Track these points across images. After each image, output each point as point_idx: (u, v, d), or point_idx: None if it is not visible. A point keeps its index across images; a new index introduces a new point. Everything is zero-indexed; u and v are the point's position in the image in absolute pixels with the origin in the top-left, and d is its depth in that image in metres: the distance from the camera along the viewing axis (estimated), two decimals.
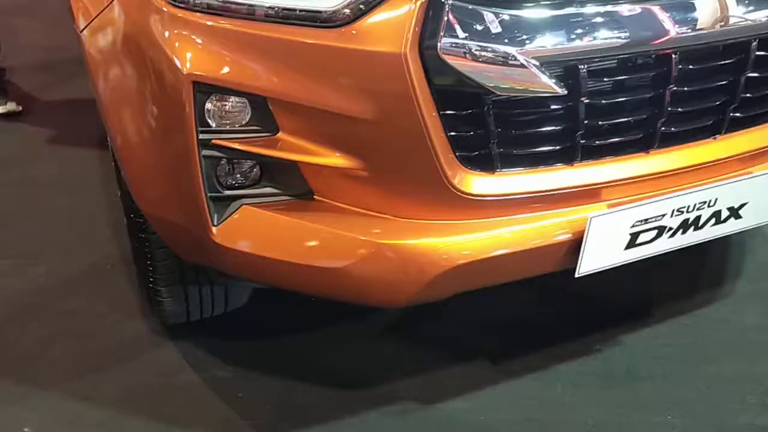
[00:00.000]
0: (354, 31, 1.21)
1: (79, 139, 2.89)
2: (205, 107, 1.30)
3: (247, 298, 1.89)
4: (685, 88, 1.39)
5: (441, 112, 1.29)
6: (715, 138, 1.49)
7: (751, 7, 1.35)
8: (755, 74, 1.44)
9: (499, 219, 1.43)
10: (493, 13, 1.22)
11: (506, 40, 1.23)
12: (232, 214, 1.39)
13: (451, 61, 1.23)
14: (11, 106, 3.10)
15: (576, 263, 1.45)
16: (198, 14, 1.24)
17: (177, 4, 1.24)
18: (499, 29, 1.22)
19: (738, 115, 1.48)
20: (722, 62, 1.40)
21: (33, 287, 2.10)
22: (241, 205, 1.40)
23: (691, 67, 1.37)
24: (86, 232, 2.34)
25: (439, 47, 1.22)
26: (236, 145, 1.33)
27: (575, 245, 1.43)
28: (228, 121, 1.32)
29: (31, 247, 2.28)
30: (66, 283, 2.12)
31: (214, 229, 1.39)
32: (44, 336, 1.91)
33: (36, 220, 2.41)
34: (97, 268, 2.17)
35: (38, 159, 2.79)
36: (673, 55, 1.33)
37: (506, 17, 1.22)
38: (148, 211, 1.54)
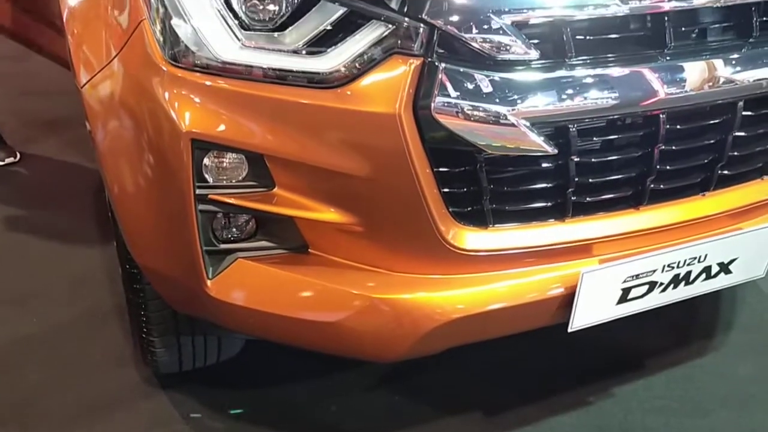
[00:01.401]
0: (349, 92, 1.24)
1: (74, 187, 2.91)
2: (203, 163, 1.32)
3: (240, 347, 1.88)
4: (674, 147, 1.42)
5: (434, 169, 1.32)
6: (704, 195, 1.51)
7: (738, 69, 1.39)
8: (742, 134, 1.47)
9: (492, 273, 1.44)
10: (485, 75, 1.25)
11: (497, 101, 1.26)
12: (227, 267, 1.40)
13: (444, 120, 1.26)
14: (9, 158, 3.14)
15: (569, 318, 1.46)
16: (197, 74, 1.26)
17: (177, 64, 1.27)
18: (490, 91, 1.25)
19: (726, 172, 1.51)
20: (709, 122, 1.44)
21: (25, 334, 2.09)
22: (236, 259, 1.41)
23: (679, 126, 1.40)
24: (80, 279, 2.33)
25: (432, 107, 1.24)
26: (233, 200, 1.34)
27: (568, 300, 1.44)
28: (225, 177, 1.34)
29: (24, 293, 2.27)
30: (58, 331, 2.11)
31: (208, 282, 1.40)
32: (37, 384, 1.90)
33: (30, 267, 2.41)
34: (90, 316, 2.17)
35: (33, 206, 2.80)
36: (662, 116, 1.36)
37: (497, 79, 1.26)
38: (143, 262, 1.54)
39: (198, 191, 1.32)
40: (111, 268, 2.32)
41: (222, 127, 1.27)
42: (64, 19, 1.67)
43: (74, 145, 3.24)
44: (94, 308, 2.20)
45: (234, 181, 1.34)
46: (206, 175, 1.33)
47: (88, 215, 2.71)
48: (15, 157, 3.15)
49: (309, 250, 1.42)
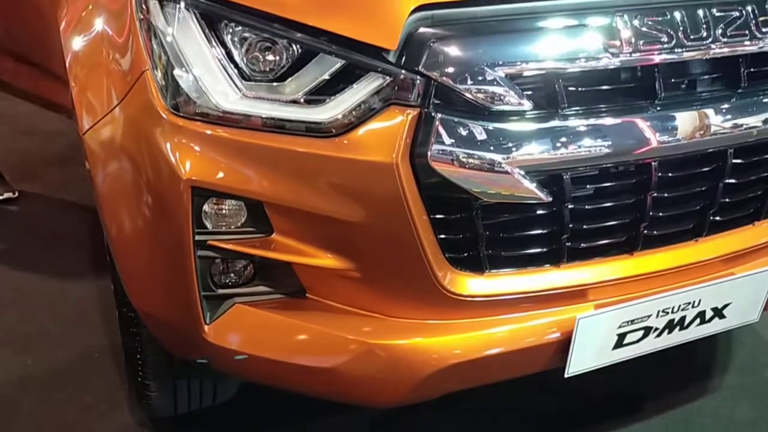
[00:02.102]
0: (347, 141, 1.26)
1: (72, 226, 2.92)
2: (203, 209, 1.33)
3: (235, 390, 1.88)
4: (666, 194, 1.44)
5: (431, 216, 1.33)
6: (696, 240, 1.53)
7: (727, 118, 1.42)
8: (732, 181, 1.49)
9: (488, 319, 1.45)
10: (480, 125, 1.27)
11: (492, 150, 1.28)
12: (224, 312, 1.41)
13: (440, 169, 1.28)
14: (8, 194, 3.15)
15: (565, 363, 1.46)
16: (198, 123, 1.28)
17: (178, 113, 1.29)
18: (485, 140, 1.28)
19: (718, 218, 1.53)
20: (701, 170, 1.46)
21: (20, 377, 2.08)
22: (234, 304, 1.41)
23: (670, 174, 1.43)
24: (75, 319, 2.33)
25: (429, 156, 1.27)
26: (231, 246, 1.35)
27: (564, 345, 1.45)
28: (224, 223, 1.35)
29: (18, 334, 2.26)
30: (53, 373, 2.10)
31: (206, 327, 1.40)
32: (30, 428, 1.88)
33: (24, 307, 2.41)
34: (85, 358, 2.16)
35: (29, 245, 2.80)
36: (653, 164, 1.39)
37: (492, 128, 1.28)
38: (140, 306, 1.55)
39: (197, 237, 1.34)
40: (106, 308, 2.32)
41: (222, 175, 1.29)
42: (67, 65, 1.70)
43: (72, 184, 3.26)
44: (88, 349, 2.19)
45: (233, 227, 1.36)
46: (205, 221, 1.34)
47: (84, 254, 2.71)
48: (13, 193, 3.17)
49: (306, 294, 1.43)
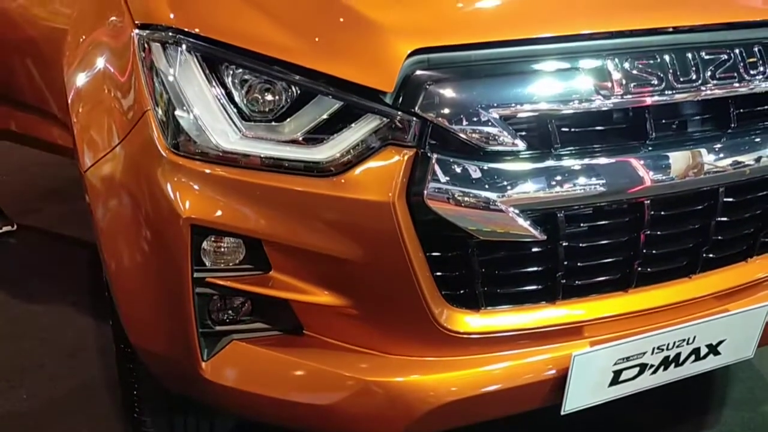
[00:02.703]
0: (344, 181, 1.28)
1: (70, 259, 2.93)
2: (201, 247, 1.35)
3: (232, 425, 1.87)
4: (659, 232, 1.46)
5: (427, 254, 1.35)
6: (690, 278, 1.54)
7: (718, 158, 1.44)
8: (725, 218, 1.51)
9: (485, 356, 1.45)
10: (475, 165, 1.30)
11: (487, 189, 1.30)
12: (222, 349, 1.41)
13: (436, 207, 1.30)
14: (6, 227, 3.16)
15: (562, 400, 1.46)
16: (198, 162, 1.31)
17: (179, 152, 1.31)
18: (480, 179, 1.30)
19: (711, 256, 1.55)
20: (693, 208, 1.48)
21: (15, 411, 2.07)
22: (231, 341, 1.42)
23: (663, 213, 1.44)
24: (71, 354, 2.33)
25: (425, 195, 1.29)
26: (230, 283, 1.37)
27: (560, 382, 1.45)
28: (222, 260, 1.37)
29: (14, 368, 2.26)
30: (48, 407, 2.09)
31: (203, 364, 1.41)
32: None
33: (21, 340, 2.40)
34: (80, 391, 2.15)
35: (26, 278, 2.81)
36: (646, 202, 1.41)
37: (487, 168, 1.30)
38: (138, 341, 1.55)
39: (196, 274, 1.35)
40: (102, 342, 2.31)
41: (221, 213, 1.31)
42: (69, 103, 1.73)
43: (70, 219, 3.27)
44: (84, 384, 2.19)
45: (231, 264, 1.37)
46: (204, 259, 1.36)
47: (82, 288, 2.72)
48: (12, 226, 3.18)
49: (304, 331, 1.44)
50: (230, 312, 1.43)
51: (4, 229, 3.16)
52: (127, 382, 1.75)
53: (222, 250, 1.36)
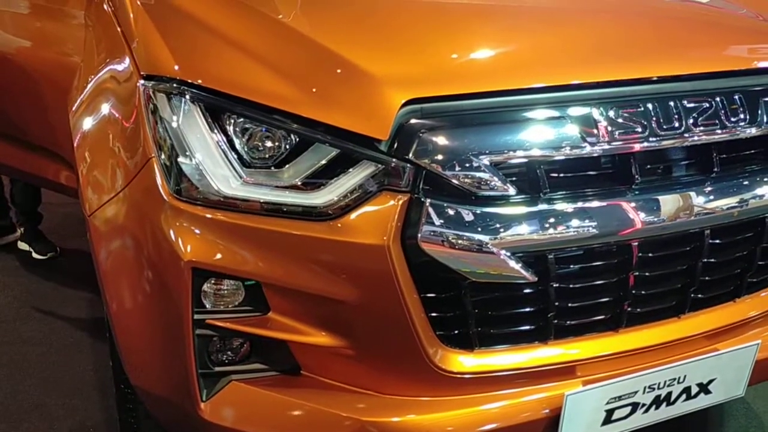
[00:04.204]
0: (341, 225, 1.33)
1: (70, 300, 2.95)
2: (202, 289, 1.39)
3: None
4: (647, 274, 1.50)
5: (421, 295, 1.38)
6: (679, 317, 1.58)
7: (703, 201, 1.48)
8: (711, 260, 1.56)
9: (479, 395, 1.48)
10: (467, 209, 1.34)
11: (479, 232, 1.34)
12: (221, 389, 1.44)
13: (429, 250, 1.34)
14: (51, 253, 3.29)
15: None
16: (200, 207, 1.35)
17: (181, 198, 1.36)
18: (472, 223, 1.34)
19: (699, 296, 1.59)
20: (679, 250, 1.52)
21: None
22: (230, 381, 1.45)
23: (651, 255, 1.49)
24: (71, 394, 2.34)
25: (419, 238, 1.33)
26: (229, 325, 1.40)
27: (554, 422, 1.47)
28: (222, 302, 1.40)
29: (14, 407, 2.27)
30: None
31: (202, 405, 1.43)
32: None
33: (21, 380, 2.42)
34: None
35: (29, 317, 2.83)
36: (633, 245, 1.45)
37: (479, 212, 1.35)
38: (138, 382, 1.57)
39: (196, 316, 1.39)
40: (103, 382, 2.33)
41: (221, 256, 1.35)
42: (75, 146, 1.79)
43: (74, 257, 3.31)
44: (83, 424, 2.20)
45: (231, 306, 1.41)
46: (204, 301, 1.39)
47: (83, 328, 2.74)
48: (56, 251, 3.31)
49: (301, 372, 1.47)
50: (229, 353, 1.46)
51: (49, 255, 3.24)
52: (126, 422, 1.77)
53: (222, 292, 1.40)
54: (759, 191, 1.55)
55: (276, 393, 1.45)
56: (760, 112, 1.53)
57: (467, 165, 1.34)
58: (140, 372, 1.56)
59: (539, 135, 1.37)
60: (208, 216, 1.35)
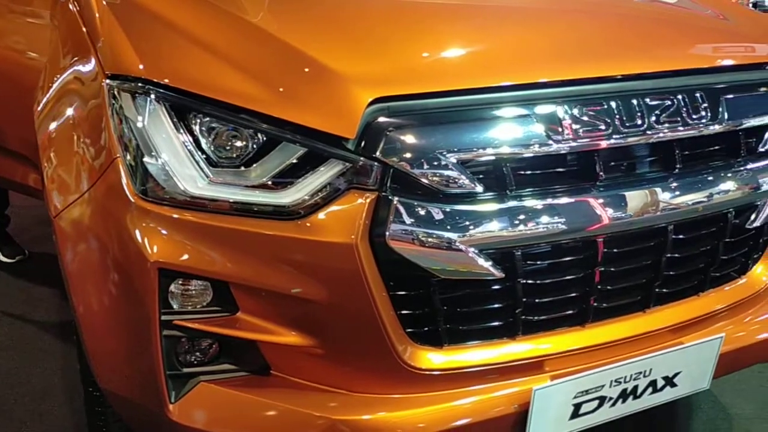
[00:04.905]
0: (309, 224, 1.33)
1: (38, 303, 2.90)
2: (169, 290, 1.38)
3: None
4: (612, 269, 1.52)
5: (390, 293, 1.39)
6: (644, 312, 1.60)
7: (665, 197, 1.50)
8: (675, 254, 1.58)
9: (450, 392, 1.49)
10: (435, 207, 1.35)
11: (447, 230, 1.35)
12: (189, 391, 1.43)
13: (397, 247, 1.34)
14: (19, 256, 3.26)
15: None
16: (166, 208, 1.34)
17: (147, 198, 1.35)
18: (440, 221, 1.35)
19: (664, 290, 1.61)
20: (644, 245, 1.55)
21: None
22: (199, 382, 1.44)
23: (615, 250, 1.51)
24: (39, 398, 2.30)
25: (387, 236, 1.33)
26: (197, 325, 1.39)
27: (523, 416, 1.49)
28: (190, 303, 1.40)
29: None
30: None
31: (170, 407, 1.42)
32: None
33: None
34: None
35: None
36: (598, 241, 1.47)
37: (446, 210, 1.36)
38: (106, 385, 1.56)
39: (163, 317, 1.37)
40: (71, 386, 2.30)
41: (188, 257, 1.34)
42: (39, 147, 1.76)
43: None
44: (52, 428, 2.16)
45: (199, 306, 1.40)
46: (171, 302, 1.38)
47: (51, 331, 2.70)
48: (24, 254, 3.27)
49: (271, 371, 1.46)
50: (198, 354, 1.45)
51: (17, 258, 3.22)
52: (95, 426, 1.75)
53: (190, 292, 1.39)
54: (721, 187, 1.58)
55: (246, 393, 1.44)
56: (721, 109, 1.56)
57: (434, 163, 1.34)
58: (108, 375, 1.54)
59: (505, 133, 1.38)
60: (175, 216, 1.35)
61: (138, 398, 1.49)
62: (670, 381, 1.60)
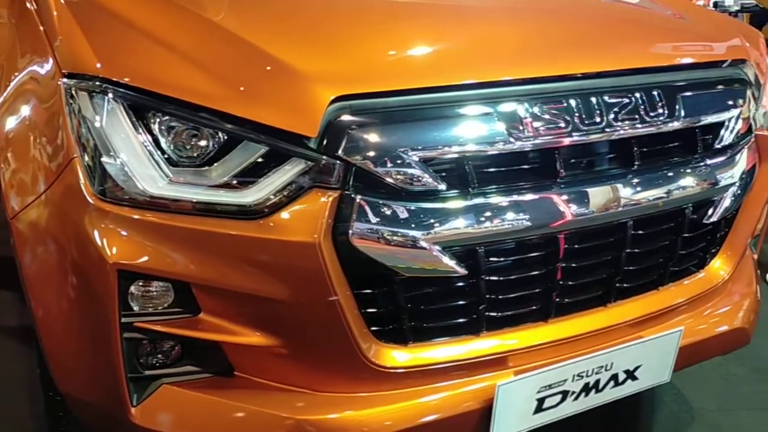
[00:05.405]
0: (272, 223, 1.32)
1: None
2: (129, 291, 1.36)
3: None
4: (573, 265, 1.54)
5: (354, 291, 1.39)
6: (605, 306, 1.63)
7: (625, 193, 1.53)
8: (635, 250, 1.61)
9: (416, 389, 1.49)
10: (397, 205, 1.35)
11: (410, 227, 1.36)
12: (151, 393, 1.42)
13: (361, 246, 1.35)
14: None
15: (489, 429, 1.51)
16: (125, 208, 1.32)
17: (105, 199, 1.33)
18: (403, 219, 1.36)
19: (624, 285, 1.64)
20: (604, 241, 1.57)
21: None
22: (161, 385, 1.42)
23: (576, 246, 1.53)
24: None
25: (350, 235, 1.34)
26: (158, 327, 1.38)
27: (488, 412, 1.50)
28: (151, 304, 1.38)
29: None
30: None
31: (132, 410, 1.40)
32: None
33: None
34: None
35: None
36: (560, 236, 1.49)
37: (409, 208, 1.36)
38: (66, 389, 1.53)
39: (123, 319, 1.36)
40: (32, 391, 2.25)
41: (148, 258, 1.33)
42: None
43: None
44: None
45: (160, 308, 1.38)
46: (132, 303, 1.37)
47: (12, 334, 2.64)
48: None
49: (235, 372, 1.45)
50: (160, 356, 1.44)
51: None
52: (57, 431, 1.72)
53: (150, 294, 1.37)
54: (679, 183, 1.61)
55: (210, 395, 1.43)
56: (678, 107, 1.59)
57: (397, 161, 1.35)
58: (69, 379, 1.52)
59: (467, 131, 1.39)
60: (135, 217, 1.33)
61: (99, 402, 1.46)
62: (631, 374, 1.63)
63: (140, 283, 1.36)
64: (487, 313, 1.50)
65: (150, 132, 1.34)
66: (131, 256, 1.32)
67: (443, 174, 1.39)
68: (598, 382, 1.59)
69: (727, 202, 1.70)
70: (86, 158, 1.36)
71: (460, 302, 1.49)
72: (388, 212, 1.35)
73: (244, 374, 1.45)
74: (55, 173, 1.42)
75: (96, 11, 1.59)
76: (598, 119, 1.48)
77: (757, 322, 1.92)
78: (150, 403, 1.41)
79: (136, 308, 1.36)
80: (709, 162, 1.66)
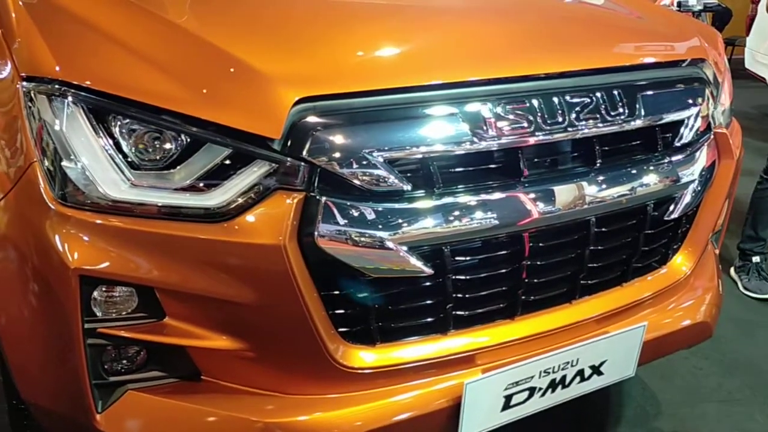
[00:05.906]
0: (237, 226, 1.31)
1: None
2: (92, 296, 1.34)
3: None
4: (538, 262, 1.56)
5: (321, 293, 1.39)
6: (570, 303, 1.65)
7: (587, 191, 1.55)
8: (598, 247, 1.63)
9: (385, 389, 1.50)
10: (363, 206, 1.36)
11: (376, 228, 1.36)
12: (117, 400, 1.40)
13: (327, 247, 1.34)
14: None
15: (458, 427, 1.52)
16: (87, 213, 1.31)
17: (66, 203, 1.31)
18: (368, 219, 1.36)
19: (588, 282, 1.67)
20: (568, 239, 1.59)
21: None
22: (127, 391, 1.41)
23: (541, 244, 1.55)
24: None
25: (315, 236, 1.33)
26: (122, 333, 1.36)
27: (456, 410, 1.51)
28: (114, 310, 1.36)
29: None
30: None
31: (98, 417, 1.39)
32: None
33: None
34: None
35: None
36: (525, 235, 1.50)
37: (375, 209, 1.36)
38: (30, 397, 1.51)
39: (86, 325, 1.34)
40: None
41: (111, 263, 1.31)
42: None
43: None
44: None
45: (124, 313, 1.37)
46: (95, 309, 1.35)
47: None
48: None
49: (202, 377, 1.44)
50: (125, 361, 1.42)
51: None
52: None
53: (114, 299, 1.36)
54: (641, 180, 1.63)
55: (176, 400, 1.42)
56: (638, 105, 1.62)
57: (362, 162, 1.35)
58: (32, 387, 1.49)
59: (432, 131, 1.40)
60: (96, 221, 1.31)
61: (63, 410, 1.44)
62: (596, 369, 1.66)
63: (103, 289, 1.34)
64: (454, 312, 1.51)
65: (111, 135, 1.32)
66: (93, 261, 1.30)
67: (409, 174, 1.39)
68: (564, 378, 1.61)
69: (688, 199, 1.73)
70: (46, 162, 1.34)
71: (428, 302, 1.49)
72: (354, 213, 1.36)
73: (212, 378, 1.45)
74: (14, 178, 1.40)
75: (55, 13, 1.56)
76: (560, 119, 1.50)
77: (719, 315, 1.97)
78: (115, 410, 1.39)
79: (99, 314, 1.35)
80: (669, 159, 1.69)
